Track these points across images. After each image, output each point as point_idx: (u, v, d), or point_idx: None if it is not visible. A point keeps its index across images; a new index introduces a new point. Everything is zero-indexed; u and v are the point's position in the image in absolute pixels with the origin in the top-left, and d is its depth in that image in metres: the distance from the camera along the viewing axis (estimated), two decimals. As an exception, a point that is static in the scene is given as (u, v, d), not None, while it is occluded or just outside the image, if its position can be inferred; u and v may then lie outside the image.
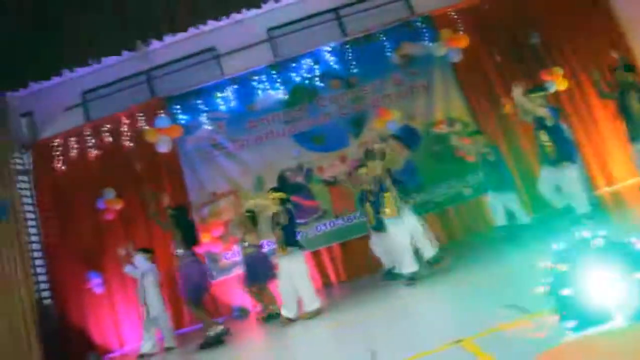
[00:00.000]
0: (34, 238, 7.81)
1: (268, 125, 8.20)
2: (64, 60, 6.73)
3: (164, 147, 7.44)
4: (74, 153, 8.21)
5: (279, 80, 8.25)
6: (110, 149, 8.21)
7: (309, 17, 8.68)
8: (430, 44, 8.04)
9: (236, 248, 7.28)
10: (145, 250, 6.45)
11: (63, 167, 8.21)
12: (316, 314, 5.18)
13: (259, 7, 6.95)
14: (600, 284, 1.17)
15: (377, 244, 6.28)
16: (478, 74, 8.22)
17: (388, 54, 8.20)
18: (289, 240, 5.35)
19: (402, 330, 3.64)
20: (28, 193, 8.11)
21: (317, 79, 8.26)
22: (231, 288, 7.57)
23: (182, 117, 8.14)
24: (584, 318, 1.17)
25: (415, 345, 2.98)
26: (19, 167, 7.84)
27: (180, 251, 5.41)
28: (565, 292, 1.21)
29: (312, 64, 8.27)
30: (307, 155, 8.09)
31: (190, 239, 5.53)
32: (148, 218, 5.78)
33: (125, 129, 8.22)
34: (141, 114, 8.21)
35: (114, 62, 7.87)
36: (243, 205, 6.92)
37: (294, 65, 8.28)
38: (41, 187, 8.18)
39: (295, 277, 5.25)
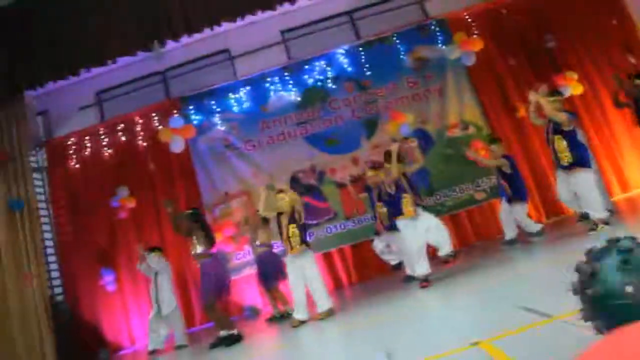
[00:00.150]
0: (47, 235, 7.89)
1: (281, 127, 8.23)
2: (80, 60, 6.80)
3: (177, 147, 7.50)
4: (88, 152, 8.31)
5: (292, 82, 8.28)
6: (124, 148, 8.30)
7: (323, 19, 8.70)
8: (444, 47, 8.02)
9: (247, 248, 7.32)
10: (157, 249, 6.50)
11: (77, 166, 8.30)
12: (329, 314, 5.17)
13: (273, 9, 6.97)
14: (627, 284, 1.16)
15: (386, 242, 6.33)
16: (492, 77, 8.21)
17: (402, 57, 8.19)
18: (302, 239, 5.33)
19: (416, 331, 3.63)
20: (42, 190, 8.21)
21: (330, 81, 8.27)
22: (242, 288, 7.58)
23: (196, 118, 8.19)
24: (611, 318, 1.15)
25: (431, 347, 2.97)
26: (34, 165, 7.93)
27: (200, 250, 5.41)
28: (591, 291, 1.19)
29: (325, 66, 8.29)
30: (319, 157, 8.10)
31: (211, 237, 5.55)
32: (171, 225, 5.81)
33: (139, 129, 8.31)
34: (155, 114, 8.30)
35: (128, 62, 7.94)
36: (256, 205, 6.92)
37: (307, 67, 8.30)
38: (55, 184, 8.27)
39: (307, 277, 5.25)
